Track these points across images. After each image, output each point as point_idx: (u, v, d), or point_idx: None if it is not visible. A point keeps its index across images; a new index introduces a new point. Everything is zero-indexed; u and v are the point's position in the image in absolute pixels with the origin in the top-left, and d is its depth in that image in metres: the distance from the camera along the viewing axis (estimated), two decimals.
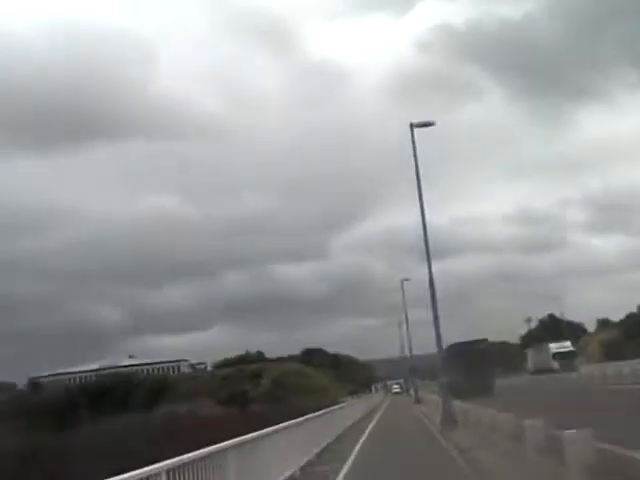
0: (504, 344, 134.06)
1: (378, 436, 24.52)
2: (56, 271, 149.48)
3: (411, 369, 75.35)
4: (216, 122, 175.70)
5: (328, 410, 25.90)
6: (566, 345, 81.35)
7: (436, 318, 24.06)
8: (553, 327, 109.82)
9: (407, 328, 63.29)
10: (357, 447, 20.02)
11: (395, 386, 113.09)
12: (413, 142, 25.95)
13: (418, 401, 53.76)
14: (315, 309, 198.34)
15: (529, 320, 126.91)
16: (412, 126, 26.08)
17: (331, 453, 19.08)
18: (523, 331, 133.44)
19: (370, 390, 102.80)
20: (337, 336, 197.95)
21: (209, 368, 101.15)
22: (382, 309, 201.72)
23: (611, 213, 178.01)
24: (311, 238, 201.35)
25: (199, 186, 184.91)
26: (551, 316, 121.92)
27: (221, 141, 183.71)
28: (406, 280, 59.54)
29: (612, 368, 46.58)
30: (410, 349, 66.71)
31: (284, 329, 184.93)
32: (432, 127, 26.34)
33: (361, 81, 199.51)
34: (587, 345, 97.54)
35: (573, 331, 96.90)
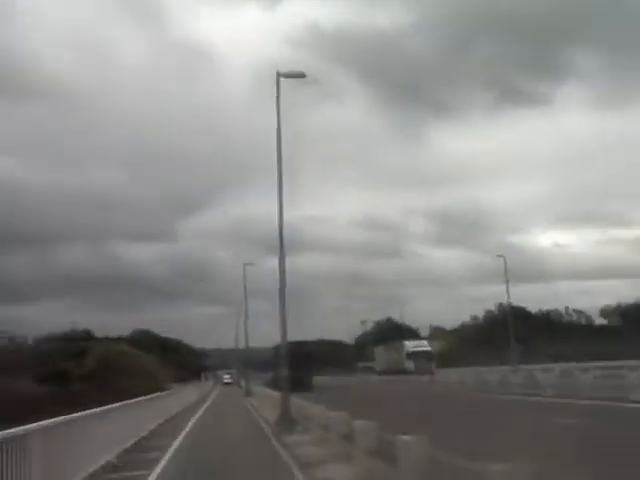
0: (338, 343, 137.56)
1: (200, 436, 20.72)
2: None
3: (245, 360, 73.30)
4: (67, 85, 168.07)
5: (149, 397, 24.02)
6: (423, 344, 76.58)
7: (283, 311, 22.56)
8: (388, 330, 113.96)
9: (246, 315, 61.25)
10: (173, 446, 17.57)
11: (226, 376, 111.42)
12: (278, 92, 24.14)
13: (248, 393, 52.80)
14: (154, 292, 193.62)
15: (364, 322, 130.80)
16: (279, 75, 24.29)
17: (140, 452, 16.46)
18: (359, 332, 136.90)
19: (200, 378, 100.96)
20: (173, 321, 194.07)
21: (30, 342, 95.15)
22: (223, 298, 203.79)
23: (454, 228, 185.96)
24: (157, 219, 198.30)
25: (41, 150, 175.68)
26: (389, 319, 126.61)
27: (71, 106, 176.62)
28: (249, 265, 59.43)
29: (469, 373, 48.53)
30: (246, 339, 64.17)
31: (121, 310, 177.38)
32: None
33: (227, 67, 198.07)
34: None
35: (408, 335, 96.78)
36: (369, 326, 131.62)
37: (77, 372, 68.05)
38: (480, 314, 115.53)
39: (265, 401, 35.23)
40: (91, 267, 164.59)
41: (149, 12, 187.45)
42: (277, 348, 48.99)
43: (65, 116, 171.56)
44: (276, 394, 27.51)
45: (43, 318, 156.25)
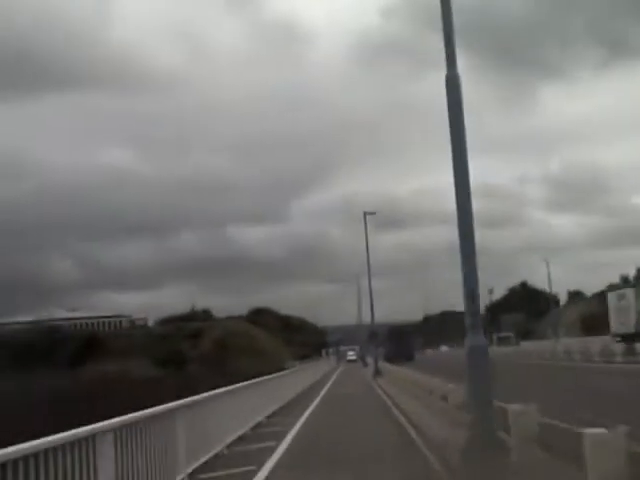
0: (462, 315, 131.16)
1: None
2: (3, 222, 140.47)
3: (371, 334, 64.76)
4: (171, 76, 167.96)
5: (270, 378, 20.98)
6: None
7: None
8: (519, 297, 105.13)
9: (369, 280, 52.05)
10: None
11: (350, 353, 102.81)
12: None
13: (378, 373, 42.95)
14: (270, 273, 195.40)
15: (491, 291, 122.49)
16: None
17: None
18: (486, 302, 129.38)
19: (321, 355, 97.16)
20: (292, 301, 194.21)
21: (150, 324, 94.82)
22: (339, 276, 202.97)
23: (572, 192, 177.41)
24: (268, 200, 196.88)
25: (153, 141, 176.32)
26: (523, 284, 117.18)
27: (176, 96, 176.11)
28: (370, 214, 51.87)
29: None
30: (372, 311, 54.35)
31: (237, 292, 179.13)
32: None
33: (323, 42, 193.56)
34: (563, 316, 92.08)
35: (545, 302, 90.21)
36: (497, 294, 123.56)
37: (193, 353, 65.92)
38: (615, 280, 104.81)
39: (404, 388, 24.21)
40: (207, 252, 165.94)
41: None
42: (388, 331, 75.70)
43: (168, 104, 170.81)
44: (424, 378, 20.85)
45: (164, 303, 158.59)
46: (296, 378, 31.13)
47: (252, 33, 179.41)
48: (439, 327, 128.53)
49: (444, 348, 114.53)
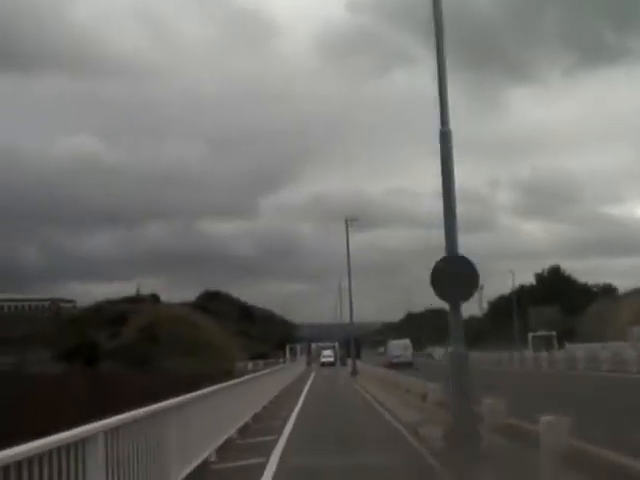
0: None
1: None
2: None
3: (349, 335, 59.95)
4: (141, 62, 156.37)
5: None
6: None
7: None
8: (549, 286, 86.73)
9: (349, 279, 52.40)
10: None
11: (326, 352, 80.00)
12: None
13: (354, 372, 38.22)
14: (241, 268, 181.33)
15: (481, 287, 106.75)
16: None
17: None
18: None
19: (284, 354, 76.69)
20: (263, 297, 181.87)
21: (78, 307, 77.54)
22: (311, 274, 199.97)
23: (540, 198, 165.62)
24: (238, 195, 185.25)
25: (120, 128, 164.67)
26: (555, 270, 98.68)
27: (146, 83, 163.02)
28: (353, 220, 53.25)
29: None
30: (351, 311, 53.54)
31: (206, 286, 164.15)
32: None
33: (291, 35, 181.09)
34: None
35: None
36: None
37: (111, 345, 49.65)
38: None
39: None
40: (177, 245, 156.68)
41: None
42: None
43: (138, 92, 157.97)
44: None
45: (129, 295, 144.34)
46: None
47: (220, 22, 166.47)
48: (422, 325, 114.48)
49: (439, 353, 76.00)
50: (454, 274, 10.47)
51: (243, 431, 14.07)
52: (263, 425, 15.63)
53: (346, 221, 51.88)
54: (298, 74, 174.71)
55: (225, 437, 12.15)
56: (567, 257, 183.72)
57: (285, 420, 16.20)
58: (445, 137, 11.00)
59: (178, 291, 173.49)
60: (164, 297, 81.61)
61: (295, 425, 15.29)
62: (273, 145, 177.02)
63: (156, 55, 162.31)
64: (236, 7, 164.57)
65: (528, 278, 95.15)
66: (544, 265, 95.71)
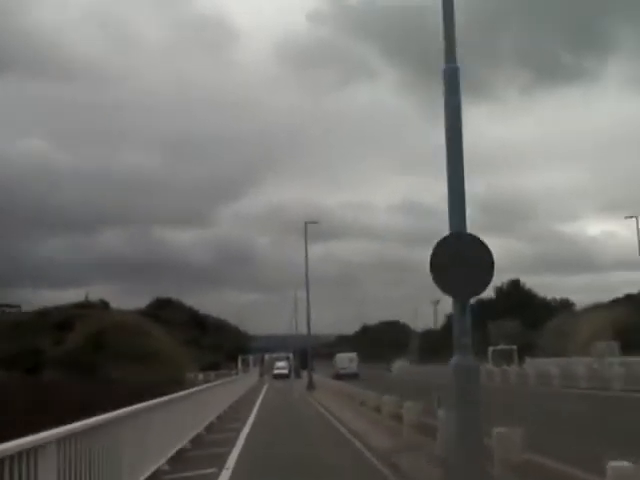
0: (404, 328, 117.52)
1: None
2: None
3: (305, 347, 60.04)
4: (98, 67, 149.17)
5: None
6: None
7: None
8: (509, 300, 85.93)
9: (307, 287, 50.42)
10: None
11: (280, 364, 78.14)
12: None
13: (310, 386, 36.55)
14: (197, 277, 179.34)
15: (436, 302, 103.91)
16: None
17: None
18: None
19: (236, 364, 73.81)
20: (218, 307, 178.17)
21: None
22: (267, 284, 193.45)
23: (495, 215, 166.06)
24: (196, 203, 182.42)
25: (72, 132, 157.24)
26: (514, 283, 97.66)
27: (102, 88, 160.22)
28: (312, 223, 52.04)
29: None
30: (308, 318, 51.38)
31: (161, 295, 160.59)
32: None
33: (252, 44, 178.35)
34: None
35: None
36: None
37: (55, 352, 46.91)
38: None
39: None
40: (132, 252, 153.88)
41: None
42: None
43: (94, 97, 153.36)
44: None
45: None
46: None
47: (180, 27, 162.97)
48: (377, 337, 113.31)
49: (398, 364, 77.57)
50: (462, 258, 8.10)
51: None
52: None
53: (305, 224, 50.53)
54: (258, 83, 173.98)
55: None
56: (523, 273, 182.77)
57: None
58: (451, 76, 9.35)
59: (132, 299, 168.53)
60: (115, 304, 78.28)
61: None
62: (231, 153, 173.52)
63: (113, 59, 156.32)
64: (196, 13, 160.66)
65: (487, 292, 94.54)
66: (502, 280, 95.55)
